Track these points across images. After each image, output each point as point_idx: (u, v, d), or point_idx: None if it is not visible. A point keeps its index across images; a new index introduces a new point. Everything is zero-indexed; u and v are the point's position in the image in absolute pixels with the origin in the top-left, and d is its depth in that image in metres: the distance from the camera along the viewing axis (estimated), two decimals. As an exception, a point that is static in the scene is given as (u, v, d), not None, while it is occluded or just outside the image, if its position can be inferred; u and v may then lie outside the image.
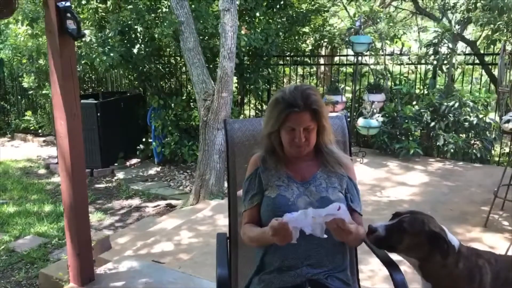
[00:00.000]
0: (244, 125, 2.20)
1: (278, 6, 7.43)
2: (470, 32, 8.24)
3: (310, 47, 8.10)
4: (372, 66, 7.03)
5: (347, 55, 7.85)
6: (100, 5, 6.81)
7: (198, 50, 5.56)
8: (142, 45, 6.48)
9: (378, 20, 6.81)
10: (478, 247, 3.63)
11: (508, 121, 3.61)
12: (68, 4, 2.53)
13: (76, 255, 2.88)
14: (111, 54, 6.04)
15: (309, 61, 8.18)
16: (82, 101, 7.31)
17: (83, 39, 6.04)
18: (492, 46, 6.42)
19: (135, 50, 6.40)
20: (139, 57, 6.48)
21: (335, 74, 8.39)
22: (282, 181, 1.88)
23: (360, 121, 5.92)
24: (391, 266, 1.84)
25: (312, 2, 8.18)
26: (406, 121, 6.01)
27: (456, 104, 5.78)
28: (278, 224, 1.62)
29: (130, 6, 6.28)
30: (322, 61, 8.85)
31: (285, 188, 1.86)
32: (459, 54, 6.48)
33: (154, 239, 3.80)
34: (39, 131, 9.37)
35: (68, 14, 2.53)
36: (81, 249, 2.88)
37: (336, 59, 8.41)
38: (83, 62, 6.23)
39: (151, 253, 3.54)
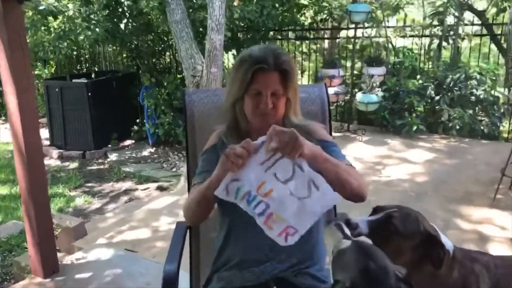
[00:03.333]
0: (206, 96, 1.88)
1: (274, -24, 7.03)
2: (478, 0, 7.77)
3: (309, 20, 7.70)
4: (373, 39, 6.65)
5: (348, 28, 7.47)
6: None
7: (186, 22, 5.22)
8: (130, 20, 6.15)
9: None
10: (485, 229, 3.40)
11: (517, 92, 3.27)
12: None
13: (36, 244, 2.62)
14: (96, 30, 5.72)
15: (309, 36, 7.79)
16: (73, 80, 7.19)
17: (67, 13, 5.74)
18: (501, 15, 6.01)
19: (122, 25, 6.07)
20: (126, 33, 6.15)
21: (339, 49, 7.99)
22: None
23: (359, 96, 5.57)
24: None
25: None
26: (409, 96, 5.65)
27: (462, 77, 5.41)
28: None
29: (115, -22, 5.95)
30: (325, 34, 8.43)
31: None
32: (466, 24, 6.07)
33: (131, 225, 3.54)
34: (33, 113, 9.11)
35: (11, -27, 2.22)
36: (41, 238, 2.61)
37: (343, 33, 8.00)
38: (68, 39, 5.93)
39: (125, 240, 3.28)
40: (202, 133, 1.81)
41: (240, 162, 1.31)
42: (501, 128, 6.07)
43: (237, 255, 1.55)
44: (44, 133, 8.11)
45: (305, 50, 8.05)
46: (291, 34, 7.68)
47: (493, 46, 6.72)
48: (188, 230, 1.85)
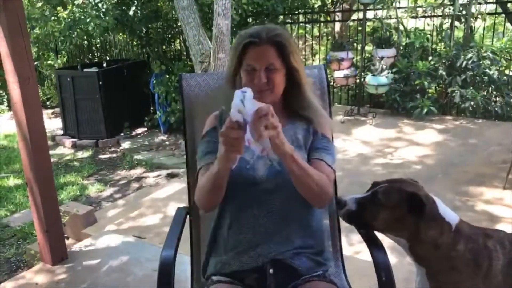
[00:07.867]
0: (204, 80, 1.87)
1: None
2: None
3: (319, 3, 7.59)
4: (384, 21, 6.52)
5: (358, 10, 7.33)
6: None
7: (193, 8, 5.19)
8: (138, 7, 6.14)
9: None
10: (496, 210, 3.35)
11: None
12: None
13: (44, 232, 2.65)
14: (106, 18, 5.73)
15: (320, 19, 7.67)
16: (84, 69, 7.22)
17: (76, 2, 5.75)
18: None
19: (130, 13, 6.07)
20: (135, 20, 6.15)
21: (350, 32, 7.84)
22: None
23: (368, 79, 5.49)
24: (373, 244, 1.52)
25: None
26: (420, 77, 5.55)
27: (474, 57, 5.29)
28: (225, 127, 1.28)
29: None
30: (336, 17, 8.28)
31: (245, 149, 1.52)
32: (479, 3, 5.92)
33: (140, 212, 3.56)
34: (47, 103, 9.18)
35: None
36: (49, 226, 2.64)
37: (356, 16, 7.86)
38: (78, 29, 5.95)
39: (134, 227, 3.31)
40: (201, 117, 1.79)
41: (240, 144, 1.29)
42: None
43: (232, 238, 1.54)
44: (58, 122, 8.20)
45: (317, 33, 7.93)
46: (301, 18, 7.58)
47: (509, 25, 6.57)
48: (188, 216, 1.84)
